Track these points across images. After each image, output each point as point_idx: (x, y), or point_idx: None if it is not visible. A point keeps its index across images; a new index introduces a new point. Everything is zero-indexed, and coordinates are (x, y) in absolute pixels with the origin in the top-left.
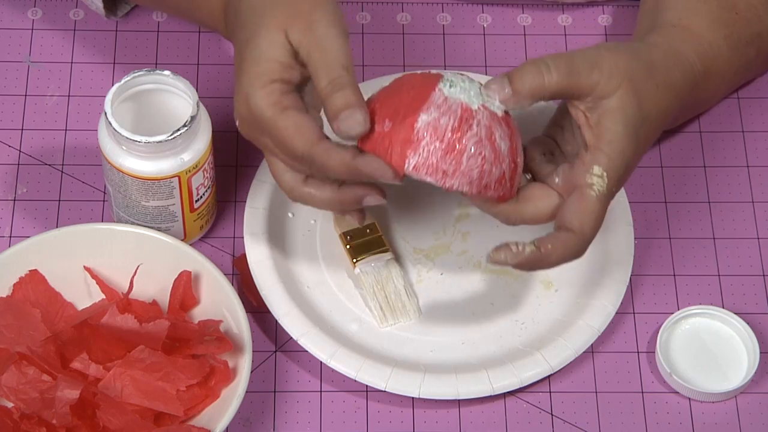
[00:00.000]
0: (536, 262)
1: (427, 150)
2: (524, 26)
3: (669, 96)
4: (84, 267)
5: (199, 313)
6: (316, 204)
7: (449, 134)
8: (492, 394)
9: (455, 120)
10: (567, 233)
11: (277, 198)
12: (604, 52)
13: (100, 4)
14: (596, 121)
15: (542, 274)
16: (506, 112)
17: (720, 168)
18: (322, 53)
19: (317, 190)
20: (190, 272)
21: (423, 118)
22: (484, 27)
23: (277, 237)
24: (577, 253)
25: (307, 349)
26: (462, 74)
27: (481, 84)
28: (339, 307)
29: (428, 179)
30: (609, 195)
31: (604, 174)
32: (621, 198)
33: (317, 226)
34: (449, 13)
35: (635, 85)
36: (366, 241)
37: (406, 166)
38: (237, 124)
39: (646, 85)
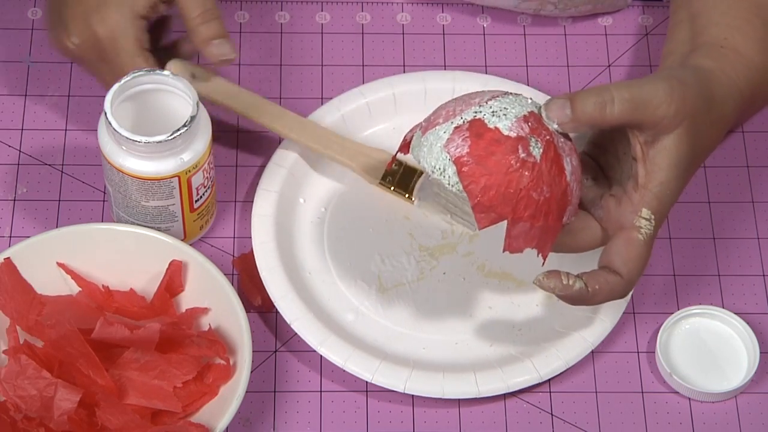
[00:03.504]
0: (581, 299)
1: (574, 197)
2: (524, 26)
3: (719, 130)
4: (57, 263)
5: (199, 314)
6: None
7: (578, 171)
8: (477, 396)
9: (577, 158)
10: (615, 277)
11: (291, 183)
12: (675, 85)
13: None
14: (652, 158)
15: None
16: (565, 136)
17: (720, 168)
18: None
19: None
20: (180, 261)
21: (567, 170)
22: (484, 27)
23: (286, 221)
24: (621, 295)
25: (299, 333)
26: (520, 117)
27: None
28: (338, 295)
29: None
30: (654, 236)
31: (653, 217)
32: None
33: (327, 214)
34: (449, 13)
35: (695, 122)
36: (401, 175)
37: (565, 220)
38: (71, 41)
39: (703, 121)
